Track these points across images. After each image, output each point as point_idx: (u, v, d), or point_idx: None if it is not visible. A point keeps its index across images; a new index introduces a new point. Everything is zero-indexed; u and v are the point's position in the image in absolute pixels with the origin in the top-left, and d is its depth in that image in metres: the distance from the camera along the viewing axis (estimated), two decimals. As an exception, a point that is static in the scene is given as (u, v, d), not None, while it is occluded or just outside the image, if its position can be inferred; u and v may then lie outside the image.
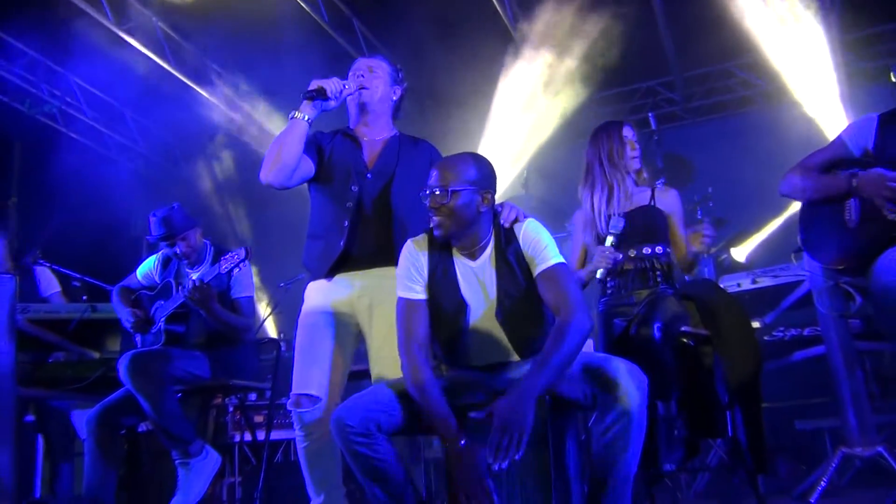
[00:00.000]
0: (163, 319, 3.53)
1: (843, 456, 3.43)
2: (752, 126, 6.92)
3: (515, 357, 2.34)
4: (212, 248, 3.73)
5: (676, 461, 2.79)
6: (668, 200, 3.12)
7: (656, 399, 2.75)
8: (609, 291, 3.06)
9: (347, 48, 6.51)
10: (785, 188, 2.93)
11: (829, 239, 2.79)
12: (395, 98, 2.89)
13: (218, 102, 7.26)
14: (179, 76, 6.79)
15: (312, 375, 2.61)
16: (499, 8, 6.00)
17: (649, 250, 3.02)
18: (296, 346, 2.70)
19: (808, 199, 2.88)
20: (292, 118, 2.60)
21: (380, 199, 2.70)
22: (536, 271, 2.29)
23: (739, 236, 5.96)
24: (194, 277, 3.50)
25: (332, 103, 2.66)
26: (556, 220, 5.82)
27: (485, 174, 2.34)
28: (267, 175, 2.61)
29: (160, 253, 3.80)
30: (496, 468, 1.99)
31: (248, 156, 7.84)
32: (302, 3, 5.95)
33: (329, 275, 2.68)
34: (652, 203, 3.09)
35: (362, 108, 2.80)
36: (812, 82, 6.53)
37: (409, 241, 2.43)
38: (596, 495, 2.07)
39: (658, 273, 3.00)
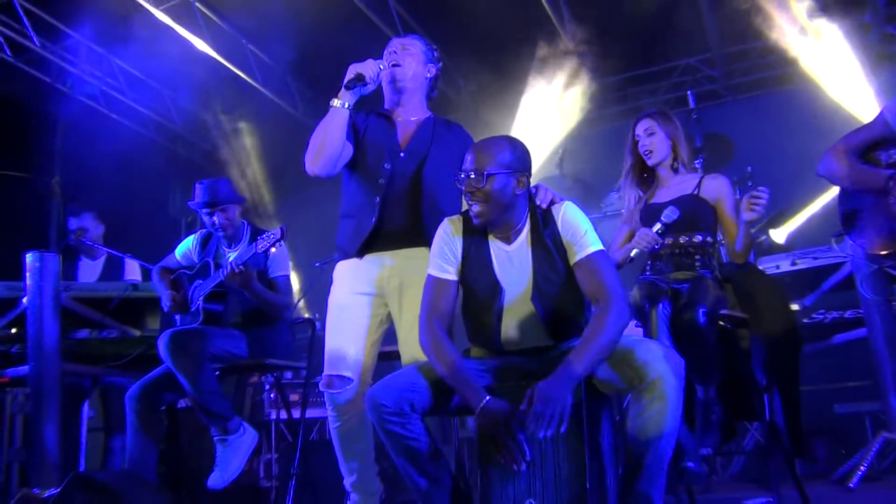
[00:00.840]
0: (201, 298, 3.58)
1: (885, 440, 3.39)
2: (793, 104, 6.75)
3: (550, 342, 2.33)
4: (249, 228, 3.78)
5: (713, 445, 2.77)
6: (716, 188, 3.07)
7: (697, 384, 2.74)
8: (648, 272, 3.05)
9: (383, 27, 6.47)
10: (822, 170, 2.88)
11: (872, 223, 2.74)
12: (429, 76, 2.88)
13: (254, 83, 7.30)
14: (217, 56, 6.83)
15: (344, 356, 2.64)
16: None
17: (687, 238, 2.99)
18: (326, 326, 2.72)
19: (846, 188, 2.82)
20: (332, 106, 2.62)
21: (413, 178, 2.70)
22: (575, 259, 2.27)
23: (779, 217, 5.85)
24: (232, 258, 3.55)
25: (371, 87, 2.67)
26: (591, 200, 5.78)
27: (519, 156, 2.32)
28: (313, 167, 2.65)
29: (198, 233, 3.86)
30: (541, 436, 2.01)
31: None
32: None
33: (360, 253, 2.69)
34: (696, 192, 3.06)
35: (395, 86, 2.80)
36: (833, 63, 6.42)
37: (445, 220, 2.43)
38: (631, 480, 2.06)
39: (697, 258, 2.97)
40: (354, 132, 2.78)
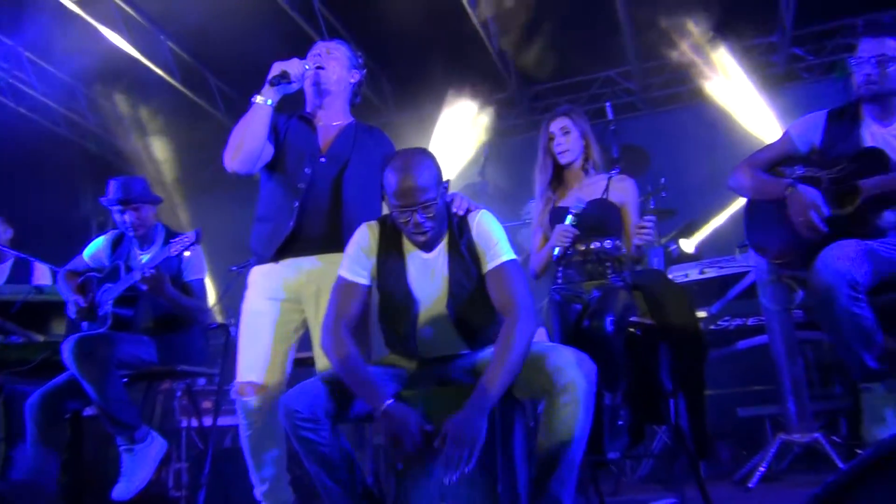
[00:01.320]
0: (110, 302, 3.46)
1: (782, 442, 3.54)
2: (705, 119, 7.02)
3: (464, 348, 2.36)
4: (163, 230, 3.68)
5: (621, 448, 2.84)
6: (623, 190, 3.10)
7: (604, 389, 2.80)
8: (559, 281, 3.09)
9: (308, 30, 6.41)
10: (732, 183, 3.00)
11: (773, 234, 2.85)
12: (352, 81, 2.87)
13: (171, 80, 7.11)
14: (133, 51, 6.62)
15: (256, 363, 2.59)
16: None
17: (598, 244, 3.02)
18: (240, 332, 2.67)
19: (751, 198, 2.95)
20: (254, 102, 2.57)
21: (333, 184, 2.68)
22: (486, 268, 2.29)
23: (689, 227, 6.06)
24: (144, 260, 3.44)
25: (295, 86, 2.64)
26: (511, 207, 5.86)
27: (439, 167, 2.33)
28: (232, 162, 2.60)
29: (109, 234, 3.74)
30: (447, 482, 2.00)
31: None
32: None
33: (276, 258, 2.65)
34: (605, 196, 3.10)
35: (318, 88, 2.78)
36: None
37: (363, 226, 2.41)
38: (542, 482, 2.09)
39: (608, 265, 3.02)
40: (275, 133, 2.74)
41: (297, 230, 2.63)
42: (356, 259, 2.36)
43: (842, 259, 2.44)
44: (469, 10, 6.17)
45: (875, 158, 2.65)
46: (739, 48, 7.14)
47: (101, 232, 3.99)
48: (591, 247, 3.03)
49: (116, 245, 3.68)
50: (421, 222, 2.23)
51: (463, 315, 2.31)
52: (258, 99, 2.58)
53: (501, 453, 2.15)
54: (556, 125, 3.15)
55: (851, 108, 2.81)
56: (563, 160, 3.15)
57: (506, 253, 2.29)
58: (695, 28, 6.55)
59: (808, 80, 7.18)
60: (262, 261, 2.70)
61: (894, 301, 2.67)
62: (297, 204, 2.63)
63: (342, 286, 2.35)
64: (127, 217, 3.53)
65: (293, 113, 2.84)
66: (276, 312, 2.64)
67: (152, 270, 3.24)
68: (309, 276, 2.63)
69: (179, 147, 8.47)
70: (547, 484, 2.08)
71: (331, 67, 2.78)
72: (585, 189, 3.14)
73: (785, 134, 2.95)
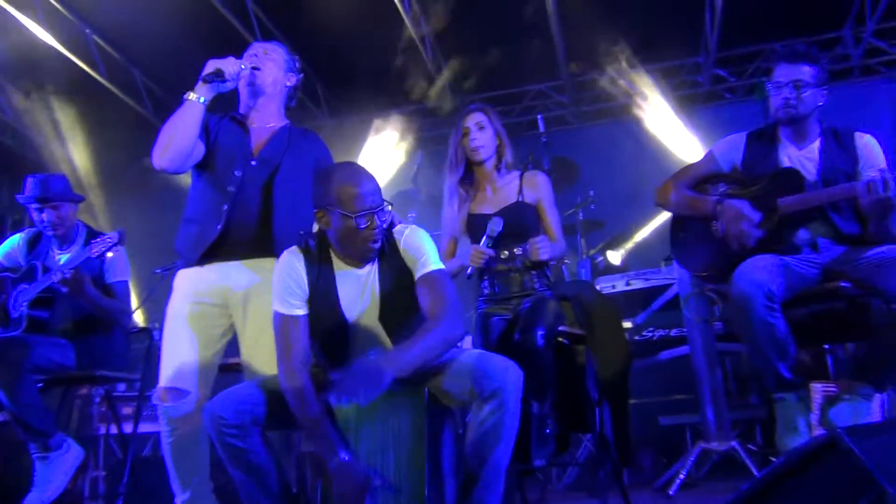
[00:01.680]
0: (25, 304, 3.33)
1: (701, 450, 3.65)
2: (632, 134, 7.21)
3: None
4: (84, 230, 3.56)
5: (547, 456, 2.88)
6: (535, 186, 3.08)
7: (532, 399, 2.83)
8: (485, 292, 3.10)
9: (242, 32, 6.30)
10: (659, 198, 3.09)
11: (697, 248, 2.95)
12: (288, 84, 2.83)
13: (97, 76, 6.87)
14: (56, 44, 6.38)
15: (180, 368, 2.52)
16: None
17: (520, 251, 3.03)
18: (163, 336, 2.60)
19: (677, 214, 3.05)
20: (186, 99, 2.51)
21: (263, 188, 2.62)
22: (416, 275, 2.31)
23: (616, 239, 6.21)
24: (63, 261, 3.32)
25: (229, 84, 2.58)
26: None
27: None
28: (161, 160, 2.52)
29: (25, 232, 3.59)
30: (333, 403, 2.01)
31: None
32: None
33: (202, 261, 2.58)
34: (520, 199, 3.10)
35: (253, 90, 2.73)
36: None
37: (285, 254, 2.36)
38: (468, 488, 2.11)
39: (533, 274, 3.05)
40: (206, 133, 2.68)
41: (225, 234, 2.56)
42: (288, 290, 2.31)
43: (759, 271, 2.55)
44: (404, 16, 6.17)
45: (791, 178, 2.78)
46: (665, 67, 7.38)
47: (17, 230, 3.82)
48: (515, 252, 3.03)
49: (33, 244, 3.54)
50: (381, 224, 2.25)
51: (395, 325, 2.32)
52: (190, 96, 2.51)
53: (429, 460, 2.15)
54: (472, 120, 3.11)
55: (770, 131, 2.94)
56: (476, 157, 3.11)
57: (434, 262, 2.32)
58: (621, 50, 6.75)
59: (731, 101, 7.46)
60: (187, 264, 2.63)
61: (806, 315, 2.82)
62: (225, 207, 2.57)
63: (282, 323, 2.30)
64: (45, 216, 3.40)
65: (225, 113, 2.78)
66: (201, 317, 2.57)
67: (71, 271, 3.13)
68: (236, 281, 2.57)
69: (102, 145, 8.19)
70: (473, 491, 2.10)
71: (267, 69, 2.74)
72: (499, 193, 3.13)
73: (709, 153, 3.07)
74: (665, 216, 6.24)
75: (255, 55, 2.74)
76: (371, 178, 2.29)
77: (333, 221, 2.26)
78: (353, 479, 2.07)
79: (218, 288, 2.58)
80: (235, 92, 2.74)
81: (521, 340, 2.71)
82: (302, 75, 2.90)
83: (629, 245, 6.18)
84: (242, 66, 2.61)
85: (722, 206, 2.79)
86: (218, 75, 2.52)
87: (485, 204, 3.12)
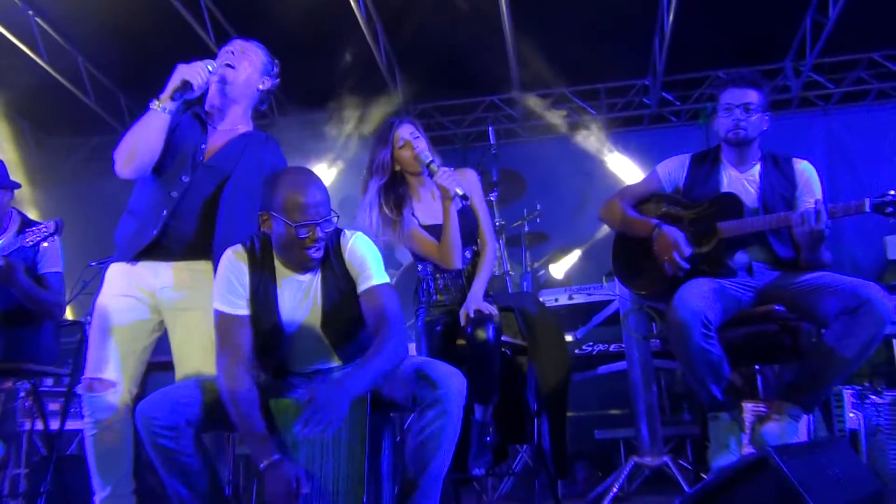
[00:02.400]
0: (-50, 293, 3.19)
1: (634, 464, 3.71)
2: (579, 150, 7.34)
3: (337, 362, 2.35)
4: (18, 218, 3.43)
5: (485, 466, 2.89)
6: (467, 184, 2.97)
7: (476, 401, 2.83)
8: (429, 299, 3.06)
9: (191, 22, 6.18)
10: (603, 214, 3.15)
11: (638, 266, 3.02)
12: (261, 88, 2.74)
13: (36, 58, 6.65)
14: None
15: (108, 360, 2.46)
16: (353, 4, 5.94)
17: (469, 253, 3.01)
18: (91, 327, 2.52)
19: (619, 232, 3.11)
20: (151, 108, 2.44)
21: (209, 197, 2.54)
22: (359, 288, 2.28)
23: (559, 252, 6.29)
24: (-7, 249, 3.20)
25: (197, 93, 2.52)
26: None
27: None
28: (124, 170, 2.47)
29: (-46, 219, 3.44)
30: (300, 435, 1.98)
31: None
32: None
33: (136, 258, 2.52)
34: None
35: (222, 88, 2.64)
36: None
37: (229, 252, 2.31)
38: (406, 495, 2.11)
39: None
40: None
41: (161, 237, 2.50)
42: (230, 289, 2.27)
43: (697, 298, 2.63)
44: (360, 19, 6.15)
45: (731, 202, 2.86)
46: (613, 87, 7.53)
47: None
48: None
49: (-38, 231, 3.40)
50: (321, 237, 2.20)
51: (338, 333, 2.31)
52: (155, 105, 2.44)
53: (368, 467, 2.14)
54: (407, 130, 3.03)
55: (712, 153, 3.03)
56: (418, 166, 2.99)
57: (377, 275, 2.29)
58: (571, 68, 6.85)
59: (676, 124, 7.64)
60: (121, 258, 2.56)
61: (739, 336, 2.91)
62: (164, 212, 2.50)
63: (224, 322, 2.26)
64: None
65: (190, 104, 2.66)
66: (131, 310, 2.51)
67: (2, 258, 3.01)
68: (167, 280, 2.51)
69: (41, 132, 7.93)
70: (411, 498, 2.10)
71: (241, 68, 2.65)
72: (432, 200, 3.05)
73: (653, 173, 3.14)
74: (607, 230, 6.39)
75: (232, 52, 2.66)
76: (319, 188, 2.24)
77: (275, 227, 2.23)
78: (284, 480, 2.03)
79: (150, 285, 2.51)
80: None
81: (471, 334, 2.72)
82: (278, 80, 2.81)
83: (571, 259, 6.25)
84: (211, 69, 2.53)
85: (658, 232, 2.86)
86: (185, 88, 2.46)
87: (431, 212, 3.04)
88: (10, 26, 6.24)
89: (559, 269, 6.10)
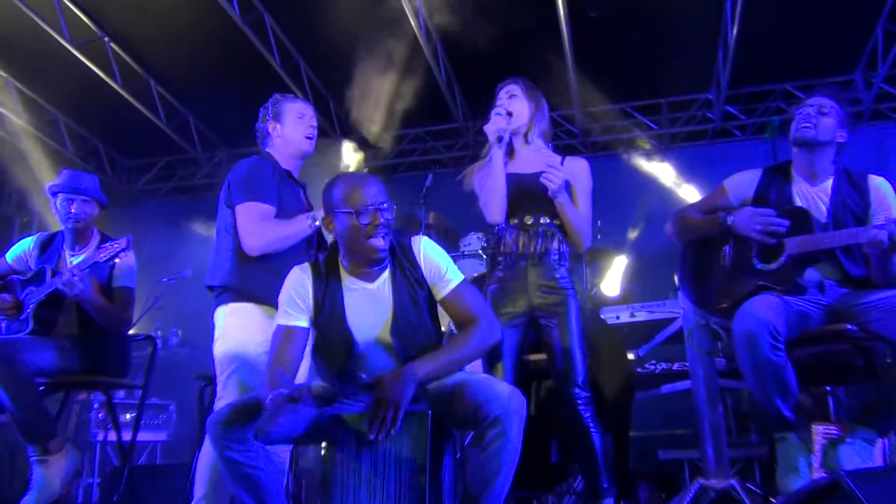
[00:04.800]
0: (32, 306, 3.33)
1: (700, 486, 3.62)
2: (641, 165, 7.28)
3: None
4: (98, 235, 3.58)
5: (547, 485, 2.87)
6: (575, 170, 2.92)
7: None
8: (496, 276, 2.92)
9: (258, 46, 6.37)
10: (669, 228, 3.10)
11: (704, 281, 2.96)
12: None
13: (115, 86, 6.94)
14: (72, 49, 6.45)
15: None
16: (408, 9, 5.99)
17: (549, 222, 2.89)
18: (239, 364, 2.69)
19: (689, 238, 3.05)
20: (311, 223, 2.77)
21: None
22: (441, 295, 2.34)
23: (616, 270, 6.22)
24: (74, 264, 3.34)
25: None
26: (452, 238, 5.92)
27: None
28: (259, 249, 2.74)
29: (38, 235, 3.61)
30: (371, 437, 2.02)
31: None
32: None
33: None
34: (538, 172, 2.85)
35: (300, 154, 3.00)
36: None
37: (295, 269, 2.40)
38: (468, 511, 2.11)
39: (559, 266, 2.85)
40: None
41: None
42: (291, 304, 2.35)
43: (763, 309, 2.55)
44: (420, 38, 6.23)
45: (800, 217, 2.79)
46: (677, 101, 7.44)
47: (24, 233, 3.84)
48: (529, 222, 2.90)
49: (45, 247, 3.56)
50: (382, 222, 2.26)
51: (407, 341, 2.32)
52: (311, 223, 2.76)
53: (430, 483, 2.15)
54: (504, 91, 3.06)
55: (784, 167, 2.97)
56: (494, 127, 2.93)
57: (455, 276, 2.36)
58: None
59: (740, 139, 7.50)
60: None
61: (809, 356, 2.81)
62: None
63: (280, 332, 2.34)
64: (74, 207, 3.44)
65: (277, 168, 2.92)
66: None
67: (80, 273, 3.14)
68: None
69: (115, 152, 8.26)
70: (472, 517, 2.10)
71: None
72: (533, 159, 2.97)
73: (720, 186, 3.08)
74: (671, 249, 6.28)
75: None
76: (374, 180, 2.33)
77: (338, 224, 2.30)
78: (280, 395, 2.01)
79: None
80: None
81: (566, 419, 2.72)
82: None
83: (630, 276, 6.17)
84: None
85: (735, 215, 2.82)
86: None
87: (519, 166, 2.97)
88: (86, 52, 6.54)
89: (612, 286, 6.01)
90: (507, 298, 2.83)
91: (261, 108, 3.08)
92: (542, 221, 2.87)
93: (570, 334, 2.73)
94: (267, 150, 3.02)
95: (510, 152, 3.02)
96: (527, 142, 3.01)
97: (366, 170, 7.50)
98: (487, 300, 2.81)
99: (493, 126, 2.88)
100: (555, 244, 2.85)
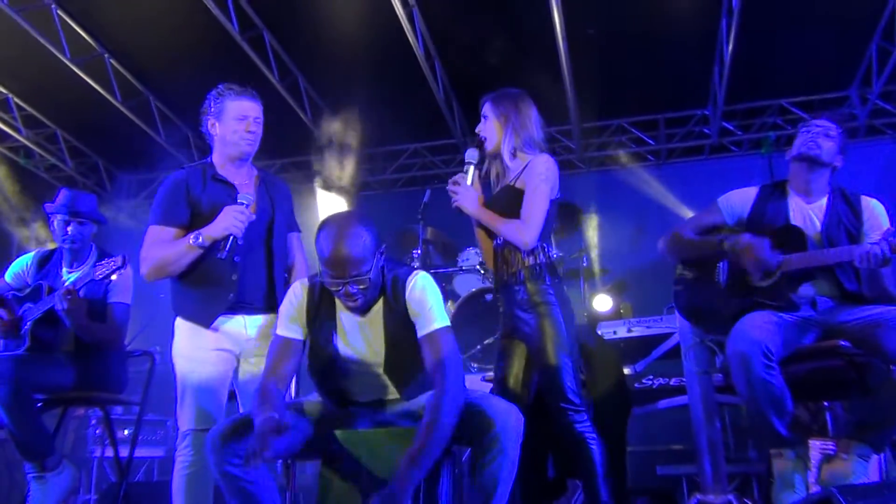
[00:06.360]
0: (29, 323, 3.34)
1: (698, 502, 3.62)
2: (638, 181, 7.30)
3: (396, 395, 2.38)
4: (96, 252, 3.58)
5: (544, 501, 2.87)
6: (529, 170, 2.78)
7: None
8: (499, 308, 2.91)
9: (256, 62, 6.41)
10: (663, 246, 3.12)
11: (699, 298, 2.98)
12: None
13: (114, 101, 6.98)
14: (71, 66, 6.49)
15: (211, 411, 2.66)
16: (406, 26, 6.04)
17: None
18: (182, 382, 2.70)
19: (684, 259, 3.07)
20: (195, 243, 2.65)
21: (262, 242, 2.82)
22: (419, 333, 2.29)
23: (619, 284, 6.23)
24: (69, 281, 3.34)
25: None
26: (450, 253, 5.94)
27: (376, 234, 2.31)
28: (149, 277, 2.71)
29: (36, 252, 3.62)
30: None
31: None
32: (211, 8, 5.82)
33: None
34: (513, 182, 2.81)
35: (241, 155, 2.85)
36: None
37: (297, 283, 2.43)
38: (465, 530, 2.12)
39: (544, 281, 2.73)
40: (192, 206, 2.80)
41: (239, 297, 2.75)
42: (290, 316, 2.38)
43: (756, 329, 2.58)
44: (418, 54, 6.27)
45: (792, 235, 2.81)
46: (673, 117, 7.48)
47: (23, 249, 3.85)
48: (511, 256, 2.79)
49: (43, 264, 3.57)
50: (353, 293, 2.23)
51: (397, 371, 2.34)
52: (199, 241, 2.65)
53: (426, 497, 2.15)
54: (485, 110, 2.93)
55: (781, 185, 3.00)
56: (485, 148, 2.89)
57: (439, 319, 2.29)
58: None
59: (736, 154, 7.54)
60: (200, 322, 2.74)
61: (804, 372, 2.83)
62: (234, 277, 2.73)
63: (278, 343, 2.37)
64: (70, 229, 3.45)
65: (203, 168, 2.87)
66: (222, 362, 2.73)
67: (71, 287, 3.15)
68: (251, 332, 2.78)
69: (113, 167, 8.27)
70: (470, 533, 2.11)
71: (258, 135, 2.87)
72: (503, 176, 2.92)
73: (714, 205, 3.10)
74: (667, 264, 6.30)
75: (257, 118, 2.86)
76: (347, 245, 2.19)
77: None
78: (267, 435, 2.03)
79: (234, 337, 2.81)
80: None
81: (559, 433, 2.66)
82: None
83: (626, 292, 6.18)
84: (246, 209, 2.73)
85: (731, 242, 2.82)
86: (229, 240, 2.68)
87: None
88: (86, 68, 6.57)
89: (604, 302, 6.01)
90: (504, 328, 2.84)
91: (205, 97, 2.92)
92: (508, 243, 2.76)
93: (551, 350, 2.61)
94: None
95: (497, 172, 2.95)
96: (503, 163, 2.89)
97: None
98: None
99: (467, 156, 2.86)
100: (525, 261, 2.72)
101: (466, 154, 2.85)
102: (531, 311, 2.66)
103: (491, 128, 2.88)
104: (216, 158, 2.88)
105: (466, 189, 2.78)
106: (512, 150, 2.85)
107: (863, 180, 2.98)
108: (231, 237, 2.64)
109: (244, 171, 2.88)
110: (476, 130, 2.91)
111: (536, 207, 2.68)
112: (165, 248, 2.68)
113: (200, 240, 2.65)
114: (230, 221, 2.65)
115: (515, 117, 2.87)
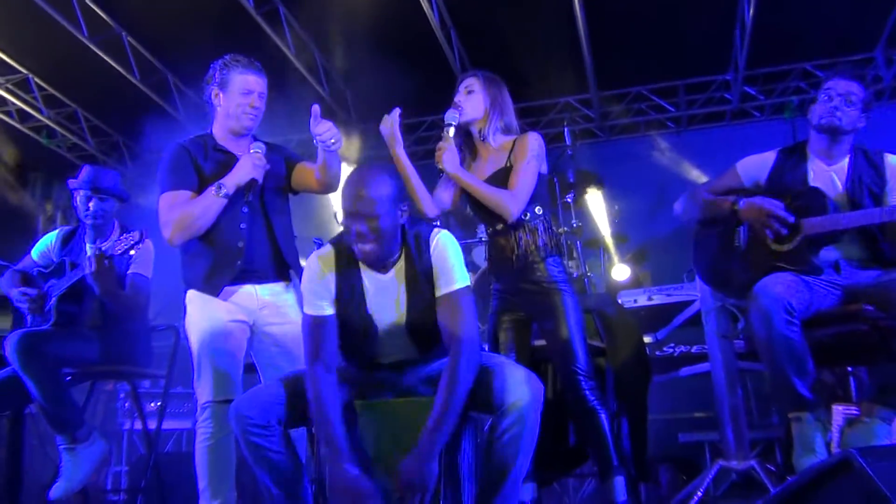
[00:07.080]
0: (54, 299, 3.40)
1: (720, 468, 3.62)
2: (659, 148, 7.23)
3: (418, 356, 2.39)
4: (118, 229, 3.60)
5: (565, 468, 2.89)
6: (518, 147, 2.79)
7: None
8: (493, 286, 2.92)
9: (272, 36, 6.40)
10: (678, 209, 3.09)
11: (719, 262, 2.96)
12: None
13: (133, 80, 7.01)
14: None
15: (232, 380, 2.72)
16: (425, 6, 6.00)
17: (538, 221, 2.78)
18: (199, 351, 2.72)
19: (696, 220, 3.04)
20: (212, 194, 2.68)
21: (267, 213, 2.84)
22: (439, 292, 2.28)
23: (639, 253, 6.20)
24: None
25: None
26: (470, 224, 5.93)
27: (400, 187, 2.32)
28: (174, 239, 2.72)
29: (60, 230, 3.67)
30: None
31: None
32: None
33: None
34: (507, 164, 2.81)
35: (242, 130, 2.87)
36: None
37: (314, 257, 2.38)
38: (486, 498, 2.13)
39: (549, 258, 2.75)
40: (199, 174, 2.82)
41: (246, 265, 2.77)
42: (315, 292, 2.34)
43: (778, 285, 2.55)
44: (433, 24, 6.22)
45: (815, 197, 2.77)
46: (694, 83, 7.38)
47: (49, 227, 3.90)
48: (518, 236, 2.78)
49: (67, 241, 3.61)
50: (363, 232, 2.21)
51: (420, 333, 2.33)
52: (218, 193, 2.68)
53: (446, 469, 2.18)
54: (463, 85, 2.95)
55: (800, 147, 2.95)
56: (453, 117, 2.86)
57: (460, 279, 2.29)
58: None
59: (759, 119, 7.43)
60: (209, 292, 2.77)
61: (827, 336, 2.80)
62: (240, 244, 2.76)
63: (310, 323, 2.33)
64: (92, 204, 3.48)
65: (204, 141, 2.88)
66: (240, 331, 2.77)
67: (99, 252, 3.16)
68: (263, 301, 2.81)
69: (134, 144, 8.34)
70: (491, 501, 2.12)
71: (260, 110, 2.89)
72: (490, 159, 2.91)
73: (732, 169, 3.06)
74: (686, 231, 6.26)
75: (260, 94, 2.87)
76: (368, 185, 2.20)
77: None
78: (350, 496, 2.06)
79: (247, 307, 2.85)
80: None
81: (572, 402, 2.66)
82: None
83: (640, 262, 6.15)
84: (261, 157, 2.78)
85: (742, 203, 2.80)
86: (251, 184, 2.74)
87: (478, 169, 2.92)
88: (103, 47, 6.60)
89: (622, 271, 5.97)
90: (505, 307, 2.86)
91: (210, 65, 2.91)
92: (509, 224, 2.77)
93: (565, 329, 2.65)
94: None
95: (473, 152, 2.95)
96: (483, 139, 2.90)
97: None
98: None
99: (447, 117, 2.85)
100: (531, 241, 2.75)
101: (447, 115, 2.85)
102: (544, 289, 2.70)
103: (477, 103, 2.89)
104: (217, 130, 2.90)
105: (452, 151, 2.79)
106: (496, 130, 2.89)
107: (889, 142, 2.91)
108: (253, 181, 2.71)
109: (244, 144, 2.89)
110: (456, 101, 2.91)
111: (526, 182, 2.73)
112: (186, 206, 2.71)
113: (224, 189, 2.68)
114: (250, 166, 2.72)
115: (502, 101, 2.92)
